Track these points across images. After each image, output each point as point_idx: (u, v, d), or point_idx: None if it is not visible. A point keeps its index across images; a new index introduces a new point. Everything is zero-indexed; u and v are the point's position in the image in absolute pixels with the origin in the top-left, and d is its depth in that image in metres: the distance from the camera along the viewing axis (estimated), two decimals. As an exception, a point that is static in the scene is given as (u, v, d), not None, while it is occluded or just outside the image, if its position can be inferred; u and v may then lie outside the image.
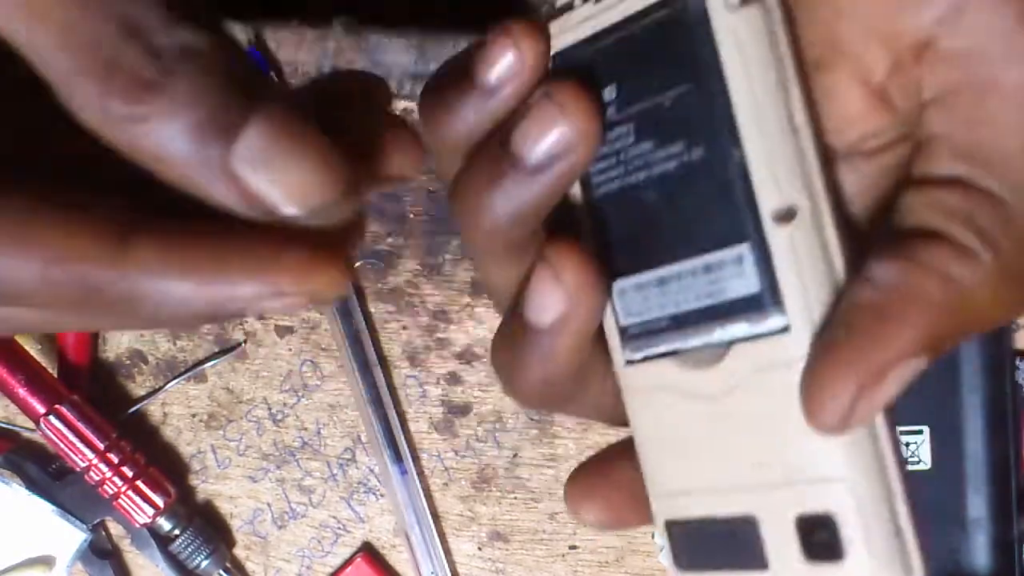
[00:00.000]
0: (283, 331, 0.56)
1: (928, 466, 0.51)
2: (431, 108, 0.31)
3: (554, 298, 0.29)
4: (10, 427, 0.57)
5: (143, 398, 0.57)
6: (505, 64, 0.29)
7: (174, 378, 0.56)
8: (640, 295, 0.30)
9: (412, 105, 0.53)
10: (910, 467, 0.51)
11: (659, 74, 0.28)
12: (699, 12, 0.27)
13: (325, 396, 0.56)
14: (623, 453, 0.32)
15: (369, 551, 0.56)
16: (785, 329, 0.27)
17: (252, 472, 0.56)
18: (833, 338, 0.26)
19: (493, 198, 0.29)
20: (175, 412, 0.57)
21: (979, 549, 0.51)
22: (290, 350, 0.56)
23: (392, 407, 0.54)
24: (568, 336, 0.29)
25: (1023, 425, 0.51)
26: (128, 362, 0.57)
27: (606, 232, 0.30)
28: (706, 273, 0.28)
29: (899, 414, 0.53)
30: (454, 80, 0.30)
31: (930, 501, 0.51)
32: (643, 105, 0.29)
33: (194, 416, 0.57)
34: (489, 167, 0.29)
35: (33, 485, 0.56)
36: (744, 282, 0.28)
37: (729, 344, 0.28)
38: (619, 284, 0.30)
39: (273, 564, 0.56)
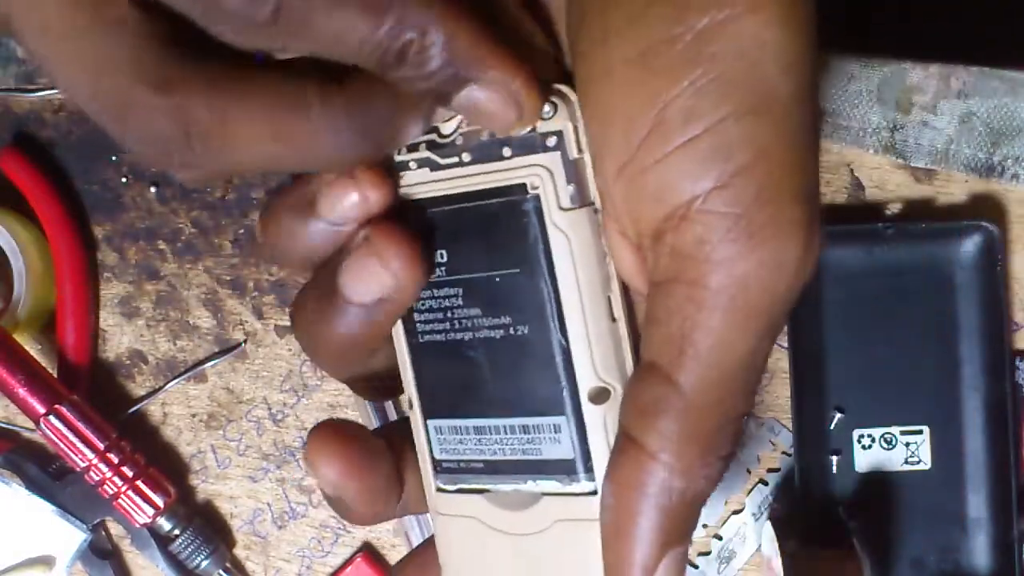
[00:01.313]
0: (283, 331, 0.56)
1: (928, 466, 0.51)
2: (272, 227, 0.32)
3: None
4: (10, 427, 0.57)
5: (143, 398, 0.57)
6: (348, 204, 0.30)
7: (174, 378, 0.56)
8: (455, 436, 0.32)
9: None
10: (910, 467, 0.51)
11: (489, 252, 0.30)
12: (533, 208, 0.29)
13: (325, 396, 0.56)
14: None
15: (369, 551, 0.56)
16: (593, 492, 0.30)
17: (252, 472, 0.56)
18: (605, 564, 0.30)
19: (322, 328, 0.31)
20: (175, 412, 0.57)
21: (979, 549, 0.51)
22: (290, 350, 0.56)
23: (392, 407, 0.54)
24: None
25: (1023, 425, 0.51)
26: (128, 362, 0.57)
27: (427, 373, 0.33)
28: (523, 433, 0.31)
29: (900, 414, 0.53)
30: (297, 205, 0.31)
31: (929, 501, 0.51)
32: (472, 275, 0.31)
33: (194, 416, 0.57)
34: (319, 297, 0.31)
35: (33, 485, 0.56)
36: (559, 448, 0.31)
37: (540, 495, 0.31)
38: (435, 422, 0.33)
39: (273, 564, 0.56)
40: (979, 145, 0.50)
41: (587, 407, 0.30)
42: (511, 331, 0.31)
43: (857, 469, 0.52)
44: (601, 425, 0.30)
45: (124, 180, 0.56)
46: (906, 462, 0.51)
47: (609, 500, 0.29)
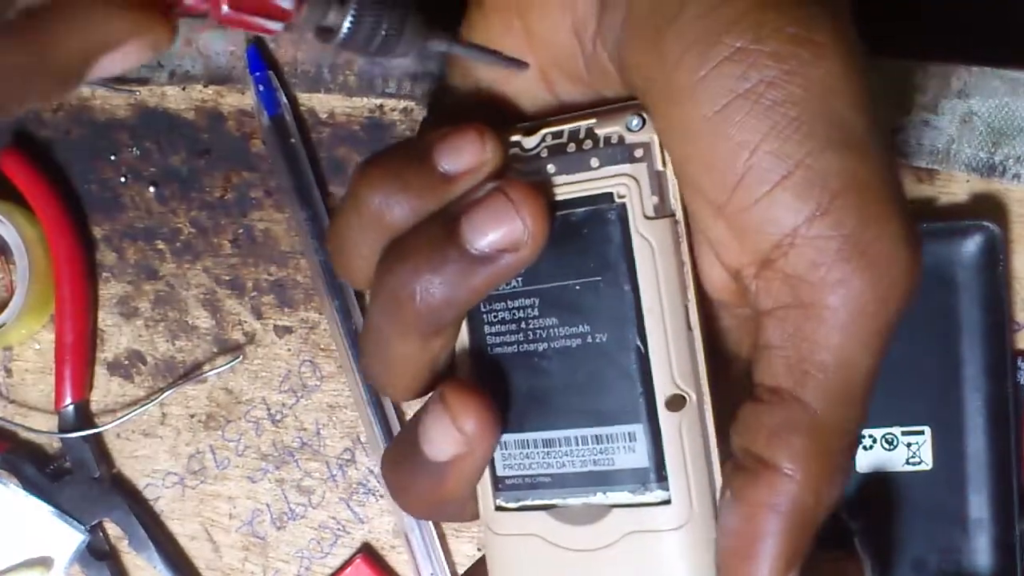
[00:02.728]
0: (282, 331, 0.56)
1: (929, 466, 0.51)
2: (382, 180, 0.31)
3: (452, 440, 0.31)
4: (9, 427, 0.57)
5: (142, 399, 0.57)
6: (470, 157, 0.30)
7: (173, 383, 0.56)
8: (522, 451, 0.32)
9: (412, 104, 0.53)
10: (912, 467, 0.51)
11: (571, 261, 0.31)
12: (618, 216, 0.30)
13: (324, 396, 0.55)
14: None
15: (369, 552, 0.55)
16: (666, 502, 0.30)
17: (251, 472, 0.56)
18: None
19: (432, 281, 0.30)
20: (174, 412, 0.57)
21: (980, 550, 0.51)
22: (289, 350, 0.56)
23: (392, 407, 0.54)
24: (460, 473, 0.31)
25: (1024, 425, 0.51)
26: (126, 362, 0.57)
27: (494, 387, 0.32)
28: (596, 443, 0.31)
29: (900, 414, 0.53)
30: (409, 160, 0.31)
31: (931, 501, 0.51)
32: (551, 284, 0.31)
33: (192, 416, 0.56)
34: (430, 250, 0.30)
35: (31, 486, 0.55)
36: (633, 456, 0.31)
37: (609, 507, 0.31)
38: (502, 437, 0.32)
39: (272, 565, 0.56)
40: (980, 145, 0.50)
41: (663, 414, 0.30)
42: (588, 339, 0.31)
43: (858, 469, 0.52)
44: (676, 432, 0.30)
45: (123, 180, 0.56)
46: (907, 462, 0.51)
47: (734, 523, 0.30)
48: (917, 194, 0.51)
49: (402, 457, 0.32)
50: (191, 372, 0.56)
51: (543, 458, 0.32)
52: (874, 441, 0.52)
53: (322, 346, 0.55)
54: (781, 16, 0.28)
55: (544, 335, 0.31)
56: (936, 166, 0.50)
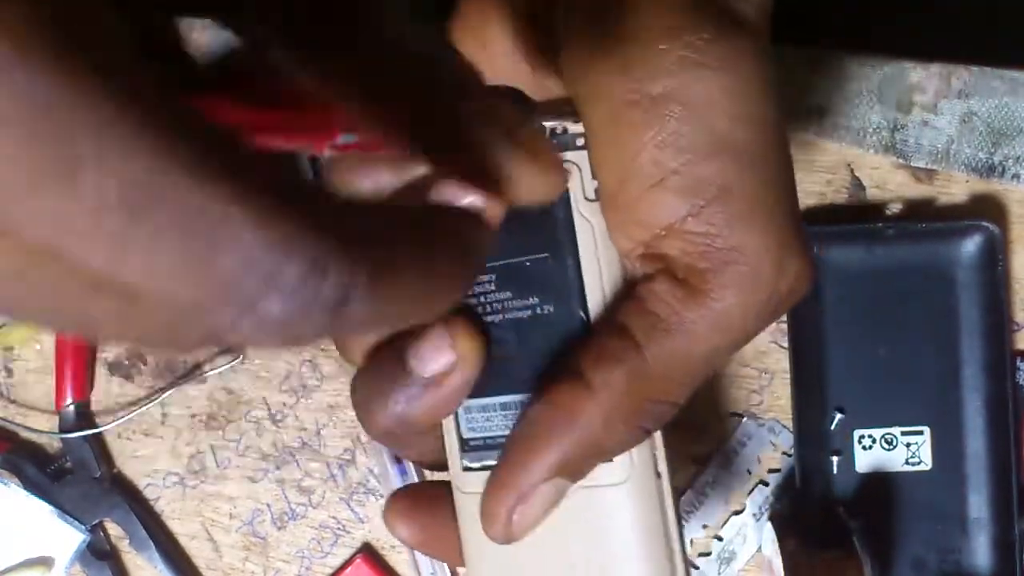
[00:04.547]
0: (283, 331, 0.56)
1: (928, 466, 0.51)
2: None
3: (444, 356, 0.33)
4: (9, 427, 0.57)
5: (143, 399, 0.57)
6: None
7: (174, 383, 0.56)
8: (483, 414, 0.35)
9: (412, 105, 0.53)
10: (911, 467, 0.51)
11: (522, 240, 0.34)
12: (563, 199, 0.33)
13: (325, 396, 0.55)
14: (444, 489, 0.36)
15: (369, 552, 0.55)
16: (609, 459, 0.33)
17: (252, 472, 0.56)
18: (496, 465, 0.33)
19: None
20: (174, 412, 0.57)
21: (979, 549, 0.51)
22: (290, 350, 0.56)
23: (392, 407, 0.54)
24: (445, 391, 0.33)
25: (1023, 425, 0.51)
26: (127, 363, 0.57)
27: None
28: None
29: (900, 414, 0.53)
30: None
31: (931, 501, 0.51)
32: (507, 261, 0.34)
33: (193, 416, 0.56)
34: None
35: (32, 486, 0.55)
36: None
37: None
38: (465, 402, 0.35)
39: (273, 565, 0.56)
40: (980, 145, 0.50)
41: None
42: (537, 311, 0.34)
43: (858, 469, 0.52)
44: None
45: (123, 180, 0.56)
46: (907, 462, 0.51)
47: (532, 413, 0.32)
48: (916, 194, 0.51)
49: (378, 372, 0.34)
50: (192, 372, 0.56)
51: (502, 420, 0.34)
52: (874, 441, 0.52)
53: (322, 346, 0.55)
54: (674, 38, 0.31)
55: (499, 307, 0.34)
56: (936, 166, 0.50)
